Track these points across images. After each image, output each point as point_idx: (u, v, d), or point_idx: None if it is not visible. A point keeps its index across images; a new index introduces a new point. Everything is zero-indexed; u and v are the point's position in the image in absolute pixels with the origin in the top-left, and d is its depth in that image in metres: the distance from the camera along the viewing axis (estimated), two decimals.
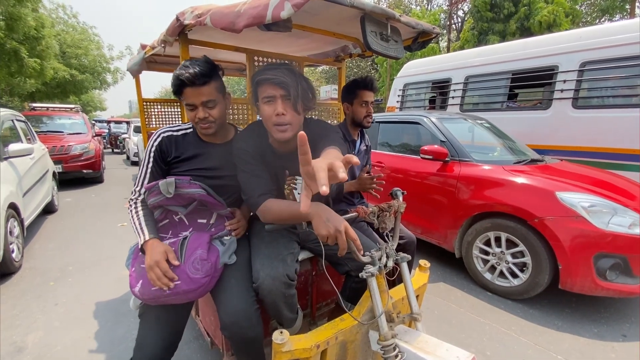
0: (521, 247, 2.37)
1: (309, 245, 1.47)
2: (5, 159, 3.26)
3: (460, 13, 20.01)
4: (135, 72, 2.44)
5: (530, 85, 4.59)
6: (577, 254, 2.11)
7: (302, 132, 0.66)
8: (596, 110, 3.57)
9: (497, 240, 2.53)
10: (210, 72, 1.21)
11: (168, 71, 2.80)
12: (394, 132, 3.60)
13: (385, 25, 1.37)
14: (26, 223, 3.41)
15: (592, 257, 2.08)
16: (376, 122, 3.65)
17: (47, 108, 8.12)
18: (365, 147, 2.02)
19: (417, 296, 1.20)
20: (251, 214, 1.48)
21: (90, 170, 6.63)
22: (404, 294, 1.17)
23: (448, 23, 18.79)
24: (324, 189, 0.63)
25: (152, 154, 1.29)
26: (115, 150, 15.11)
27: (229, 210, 1.35)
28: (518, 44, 4.32)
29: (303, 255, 1.46)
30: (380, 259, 1.06)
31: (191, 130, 1.37)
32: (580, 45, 3.65)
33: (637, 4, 13.31)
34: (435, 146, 2.85)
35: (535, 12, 12.37)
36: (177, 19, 1.42)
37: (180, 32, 1.52)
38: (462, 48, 14.20)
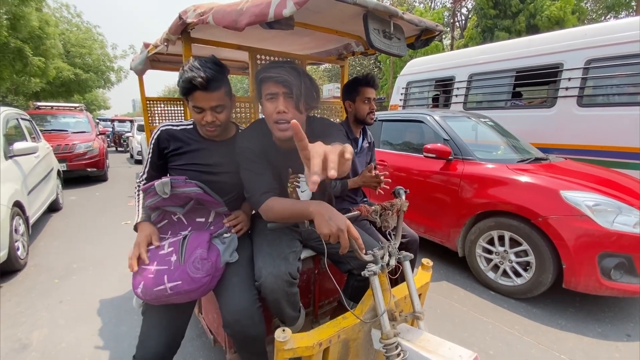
0: (525, 246, 2.36)
1: (311, 243, 1.47)
2: (10, 157, 3.28)
3: (464, 11, 19.89)
4: (140, 72, 2.44)
5: (534, 83, 4.56)
6: (582, 253, 2.09)
7: (294, 121, 0.68)
8: (601, 109, 3.53)
9: (501, 239, 2.52)
10: (222, 76, 1.21)
11: (171, 70, 2.80)
12: (396, 130, 3.58)
13: (388, 23, 1.36)
14: (31, 221, 3.44)
15: (597, 256, 2.06)
16: (379, 120, 3.64)
17: (52, 107, 8.20)
18: (368, 144, 2.02)
19: (419, 295, 1.20)
20: (253, 212, 1.48)
21: (95, 169, 6.67)
22: (407, 293, 1.16)
23: (452, 21, 18.68)
24: (315, 178, 0.63)
25: (152, 147, 1.35)
26: (119, 148, 15.20)
27: (227, 209, 1.35)
28: (522, 41, 4.28)
29: (305, 253, 1.46)
30: (382, 258, 1.06)
31: (191, 126, 1.38)
32: (586, 43, 3.61)
33: None
34: (439, 145, 2.84)
35: (542, 9, 12.26)
36: (180, 17, 1.42)
37: (182, 30, 1.51)
38: (466, 46, 14.12)
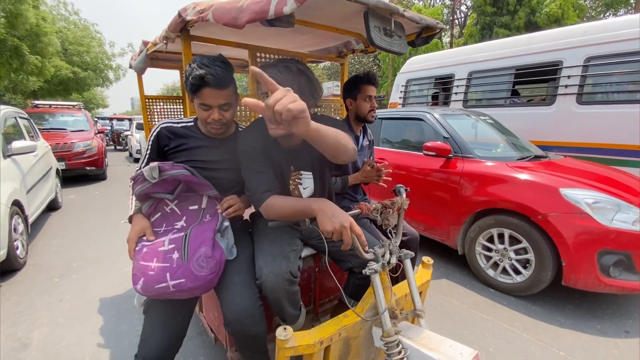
0: (524, 243, 2.37)
1: (312, 242, 1.47)
2: (9, 156, 3.27)
3: (463, 8, 19.85)
4: (141, 71, 2.42)
5: (534, 81, 4.55)
6: (581, 251, 2.10)
7: (253, 67, 0.73)
8: (601, 106, 3.53)
9: (500, 236, 2.52)
10: (230, 74, 1.22)
11: (169, 67, 2.79)
12: (396, 128, 3.58)
13: (389, 21, 1.36)
14: (30, 220, 3.43)
15: (596, 253, 2.07)
16: (379, 118, 3.63)
17: (50, 105, 8.16)
18: (367, 142, 2.03)
19: (420, 293, 1.20)
20: (253, 210, 1.48)
21: (93, 167, 6.65)
22: (407, 291, 1.17)
23: (451, 18, 18.64)
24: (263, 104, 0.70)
25: (150, 144, 1.34)
26: (117, 147, 15.15)
27: (218, 192, 1.33)
28: (522, 39, 4.28)
29: (306, 252, 1.46)
30: (383, 256, 1.06)
31: (192, 123, 1.38)
32: (585, 40, 3.61)
33: None
34: (438, 142, 2.84)
35: (541, 6, 12.24)
36: (179, 15, 1.41)
37: (182, 28, 1.51)
38: (465, 43, 14.10)
